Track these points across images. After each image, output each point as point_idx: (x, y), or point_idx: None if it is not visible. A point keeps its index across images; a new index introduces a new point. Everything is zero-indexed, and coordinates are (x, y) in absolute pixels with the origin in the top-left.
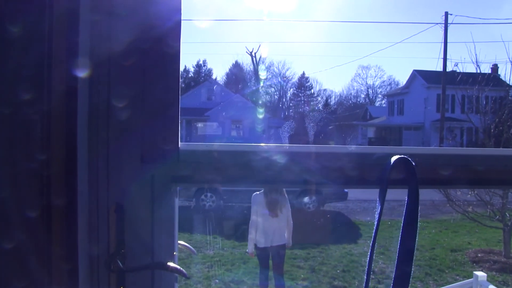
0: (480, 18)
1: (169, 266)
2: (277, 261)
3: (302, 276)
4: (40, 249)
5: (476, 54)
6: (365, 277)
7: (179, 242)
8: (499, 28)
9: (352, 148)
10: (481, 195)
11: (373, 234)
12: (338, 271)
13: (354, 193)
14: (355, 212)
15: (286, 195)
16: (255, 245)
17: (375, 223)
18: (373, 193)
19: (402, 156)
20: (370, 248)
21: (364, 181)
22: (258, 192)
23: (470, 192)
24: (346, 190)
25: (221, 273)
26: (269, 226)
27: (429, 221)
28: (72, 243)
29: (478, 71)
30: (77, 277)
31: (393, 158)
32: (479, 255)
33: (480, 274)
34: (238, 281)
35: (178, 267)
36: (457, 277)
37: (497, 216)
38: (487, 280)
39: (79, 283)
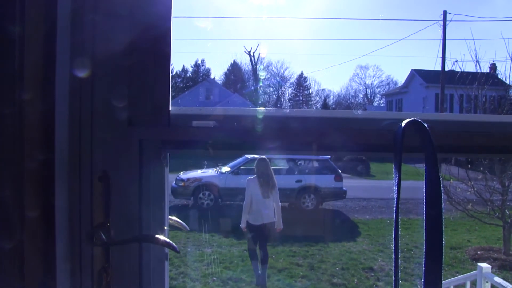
0: (478, 17)
1: (158, 239)
2: (265, 237)
3: (301, 273)
4: (10, 221)
5: (475, 51)
6: (393, 255)
7: (170, 217)
8: (498, 26)
9: (359, 112)
10: (481, 193)
11: (395, 209)
12: (337, 268)
13: (353, 192)
14: (354, 211)
15: (275, 180)
16: (247, 221)
17: (395, 195)
18: (372, 192)
19: (414, 119)
20: (394, 224)
21: (378, 147)
22: (252, 177)
23: (470, 190)
24: (345, 188)
25: (219, 271)
26: (261, 205)
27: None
28: (47, 213)
29: (478, 69)
30: (53, 252)
31: (405, 122)
32: (479, 252)
33: (485, 266)
34: (237, 278)
35: (169, 240)
36: (457, 274)
37: (497, 214)
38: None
39: (57, 259)
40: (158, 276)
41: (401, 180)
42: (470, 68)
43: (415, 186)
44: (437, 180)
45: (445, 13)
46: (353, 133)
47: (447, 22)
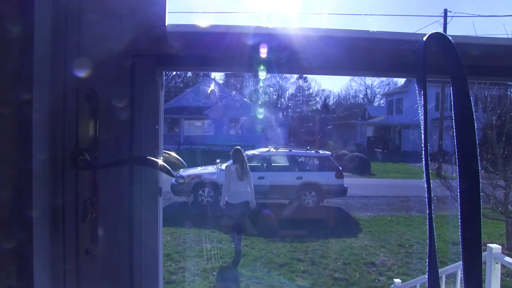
0: (479, 15)
1: (152, 161)
2: (241, 213)
3: (302, 268)
4: None
5: None
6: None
7: (167, 152)
8: (499, 23)
9: (375, 32)
10: (483, 189)
11: (423, 146)
12: (338, 263)
13: (353, 190)
14: (355, 208)
15: (248, 166)
16: (227, 201)
17: (422, 129)
18: (373, 190)
19: (437, 32)
20: (425, 174)
21: (398, 67)
22: (229, 164)
23: None
24: (345, 185)
25: (219, 266)
26: (238, 187)
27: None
28: (23, 129)
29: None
30: (30, 176)
31: (426, 36)
32: (482, 248)
33: (495, 246)
34: (237, 273)
35: (163, 163)
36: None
37: (500, 209)
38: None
39: (33, 184)
40: (151, 214)
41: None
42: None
43: (417, 184)
44: (468, 104)
45: (445, 11)
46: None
47: (449, 16)
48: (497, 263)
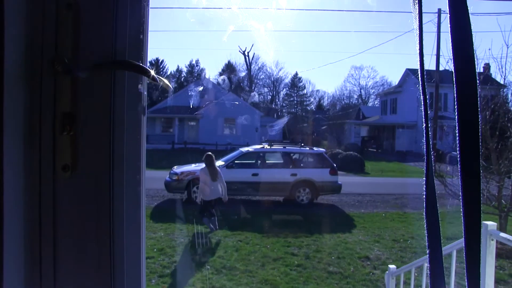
0: (472, 13)
1: (138, 66)
2: (215, 206)
3: (296, 262)
4: None
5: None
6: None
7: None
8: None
9: None
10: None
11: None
12: (332, 258)
13: (348, 187)
14: (349, 205)
15: (218, 169)
16: (202, 199)
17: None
18: (367, 188)
19: None
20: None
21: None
22: (202, 167)
23: None
24: (339, 182)
25: (213, 260)
26: (211, 186)
27: (422, 214)
28: None
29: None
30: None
31: None
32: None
33: (490, 223)
34: (231, 267)
35: (155, 74)
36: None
37: (493, 203)
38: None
39: (5, 85)
40: (133, 131)
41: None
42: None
43: (412, 182)
44: (468, 25)
45: (439, 10)
46: None
47: (442, 19)
48: (492, 240)
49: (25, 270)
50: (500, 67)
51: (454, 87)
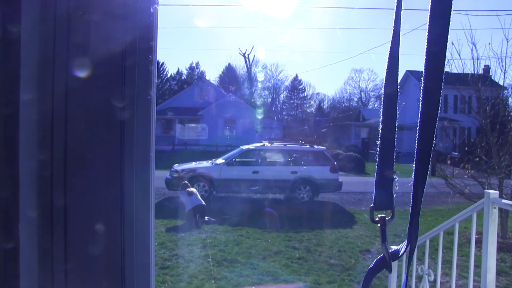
0: (472, 14)
1: None
2: (202, 210)
3: (297, 255)
4: None
5: (473, 43)
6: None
7: None
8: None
9: None
10: (477, 178)
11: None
12: (334, 251)
13: (348, 187)
14: (350, 203)
15: (194, 190)
16: (190, 208)
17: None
18: (367, 187)
19: None
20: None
21: None
22: (180, 191)
23: (467, 172)
24: (340, 180)
25: (213, 253)
26: (192, 199)
27: (424, 210)
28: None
29: (476, 65)
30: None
31: None
32: (476, 236)
33: (492, 192)
34: (231, 260)
35: None
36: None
37: None
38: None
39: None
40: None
41: None
42: (464, 67)
43: (411, 182)
44: (446, 22)
45: None
46: None
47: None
48: (494, 208)
49: (38, 269)
50: (500, 61)
51: (422, 80)
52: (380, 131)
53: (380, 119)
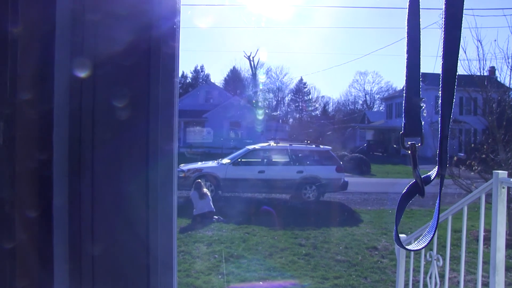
0: (477, 15)
1: None
2: (209, 215)
3: (304, 252)
4: None
5: (480, 41)
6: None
7: None
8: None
9: None
10: (483, 175)
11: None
12: (340, 248)
13: (354, 187)
14: (356, 203)
15: (206, 190)
16: (197, 213)
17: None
18: (373, 187)
19: None
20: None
21: None
22: (193, 191)
23: (474, 168)
24: (346, 179)
25: (220, 250)
26: (202, 204)
27: (429, 210)
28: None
29: (482, 64)
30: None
31: None
32: (484, 234)
33: (501, 172)
34: (238, 255)
35: None
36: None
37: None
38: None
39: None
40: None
41: None
42: (470, 65)
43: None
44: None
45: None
46: None
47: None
48: (503, 187)
49: (69, 268)
50: (506, 57)
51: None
52: (406, 59)
53: (405, 49)
